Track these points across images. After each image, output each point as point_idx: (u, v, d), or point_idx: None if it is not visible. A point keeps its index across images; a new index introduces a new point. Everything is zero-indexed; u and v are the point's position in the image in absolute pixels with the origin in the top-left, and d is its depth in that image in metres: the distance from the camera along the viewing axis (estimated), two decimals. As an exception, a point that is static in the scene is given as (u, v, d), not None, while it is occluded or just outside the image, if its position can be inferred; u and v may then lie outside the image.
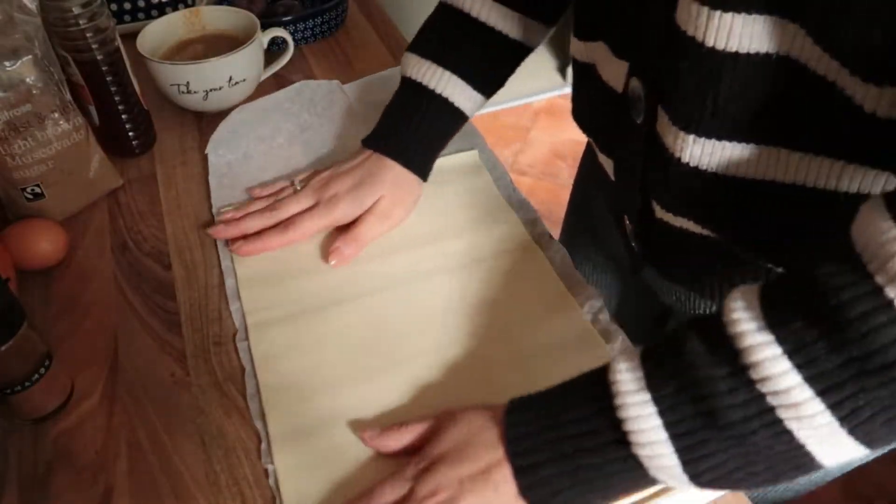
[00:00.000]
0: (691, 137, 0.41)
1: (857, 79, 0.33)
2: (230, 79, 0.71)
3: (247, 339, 0.52)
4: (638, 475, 0.36)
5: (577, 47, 0.54)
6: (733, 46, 0.36)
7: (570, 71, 2.24)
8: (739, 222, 0.45)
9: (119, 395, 0.49)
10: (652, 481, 0.36)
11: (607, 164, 0.54)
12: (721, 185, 0.42)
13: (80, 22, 0.61)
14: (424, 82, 0.61)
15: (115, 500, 0.44)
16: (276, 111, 0.73)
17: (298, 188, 0.61)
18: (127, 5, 0.87)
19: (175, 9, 0.88)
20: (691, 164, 0.42)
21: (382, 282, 0.56)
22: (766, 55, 0.36)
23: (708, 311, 0.55)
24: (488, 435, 0.40)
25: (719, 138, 0.40)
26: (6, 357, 0.44)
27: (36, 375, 0.46)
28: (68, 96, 0.61)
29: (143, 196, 0.66)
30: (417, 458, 0.42)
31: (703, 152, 0.41)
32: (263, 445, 0.45)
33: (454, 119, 0.63)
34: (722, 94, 0.38)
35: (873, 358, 0.29)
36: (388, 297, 0.55)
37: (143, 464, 0.45)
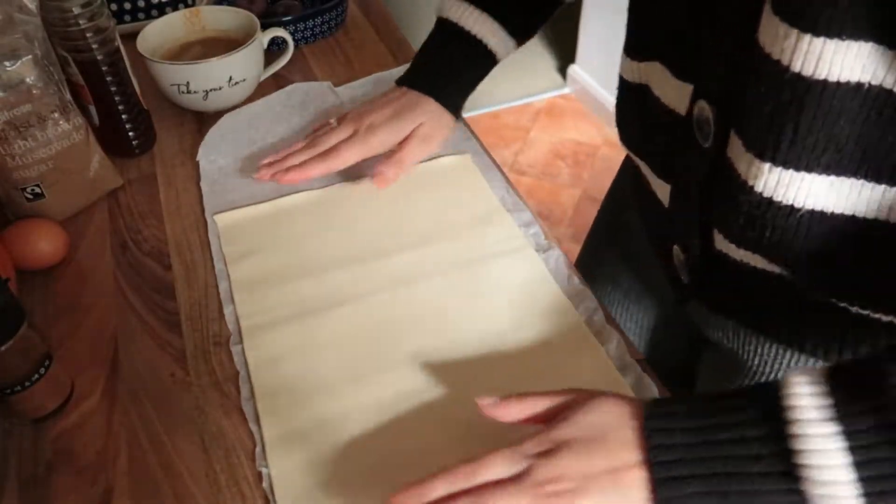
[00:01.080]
0: (766, 166, 0.38)
1: None
2: (230, 79, 0.71)
3: (241, 342, 0.52)
4: None
5: (629, 67, 0.51)
6: (822, 74, 0.34)
7: (571, 71, 2.25)
8: (814, 258, 0.41)
9: (119, 395, 0.49)
10: None
11: (661, 189, 0.51)
12: (795, 218, 0.39)
13: (80, 22, 0.61)
14: (461, 23, 0.63)
15: (115, 500, 0.44)
16: (266, 115, 0.73)
17: (335, 125, 0.64)
18: (127, 5, 0.87)
19: (175, 9, 0.88)
20: (765, 195, 0.39)
21: (376, 285, 0.56)
22: (858, 84, 0.34)
23: (761, 348, 0.52)
24: (625, 433, 0.37)
25: (797, 169, 0.37)
26: (6, 357, 0.44)
27: (36, 375, 0.46)
28: (68, 96, 0.61)
29: (143, 196, 0.66)
30: (541, 437, 0.39)
31: (780, 182, 0.38)
32: (258, 448, 0.45)
33: (486, 61, 0.64)
34: (803, 123, 0.36)
35: None
36: (382, 300, 0.55)
37: (143, 464, 0.45)
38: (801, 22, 0.33)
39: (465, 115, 0.74)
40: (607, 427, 0.38)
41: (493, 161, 0.68)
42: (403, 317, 0.53)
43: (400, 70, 0.79)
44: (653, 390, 0.47)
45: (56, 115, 0.59)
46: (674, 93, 0.46)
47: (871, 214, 0.38)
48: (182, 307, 0.55)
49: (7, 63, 0.55)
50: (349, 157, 0.62)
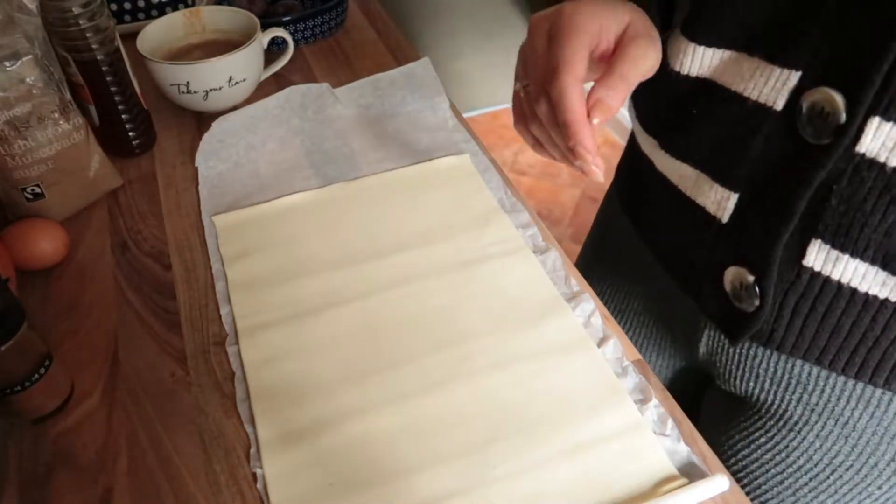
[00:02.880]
0: None
1: None
2: (230, 79, 0.71)
3: (237, 343, 0.52)
4: None
5: (690, 57, 0.44)
6: None
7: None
8: None
9: (119, 395, 0.49)
10: None
11: (720, 202, 0.44)
12: None
13: (80, 22, 0.61)
14: None
15: (115, 500, 0.44)
16: (264, 118, 0.73)
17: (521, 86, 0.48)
18: (127, 5, 0.87)
19: (175, 9, 0.88)
20: None
21: (372, 285, 0.56)
22: None
23: (806, 396, 0.47)
24: None
25: None
26: (6, 357, 0.44)
27: (36, 375, 0.46)
28: (68, 96, 0.61)
29: (143, 196, 0.66)
30: None
31: None
32: (253, 450, 0.46)
33: None
34: None
35: None
36: (379, 301, 0.55)
37: (143, 464, 0.45)
38: None
39: (465, 115, 0.74)
40: None
41: (492, 162, 0.68)
42: (400, 318, 0.53)
43: (400, 70, 0.79)
44: (650, 393, 0.47)
45: (56, 115, 0.59)
46: (767, 85, 0.40)
47: None
48: (182, 307, 0.55)
49: (7, 63, 0.55)
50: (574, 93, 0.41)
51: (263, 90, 0.77)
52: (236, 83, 0.72)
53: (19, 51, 0.56)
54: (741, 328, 0.46)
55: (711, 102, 0.44)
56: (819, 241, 0.40)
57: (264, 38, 0.75)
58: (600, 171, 0.43)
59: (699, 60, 0.44)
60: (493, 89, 2.13)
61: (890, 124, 0.35)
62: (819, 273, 0.41)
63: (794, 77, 0.39)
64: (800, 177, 0.39)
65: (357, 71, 0.82)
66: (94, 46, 0.62)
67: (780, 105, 0.40)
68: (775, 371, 0.49)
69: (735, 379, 0.53)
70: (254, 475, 0.44)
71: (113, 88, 0.66)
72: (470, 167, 0.67)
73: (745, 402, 0.54)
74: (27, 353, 0.46)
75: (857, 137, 0.37)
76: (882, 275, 0.39)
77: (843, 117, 0.36)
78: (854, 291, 0.40)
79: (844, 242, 0.39)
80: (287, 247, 0.59)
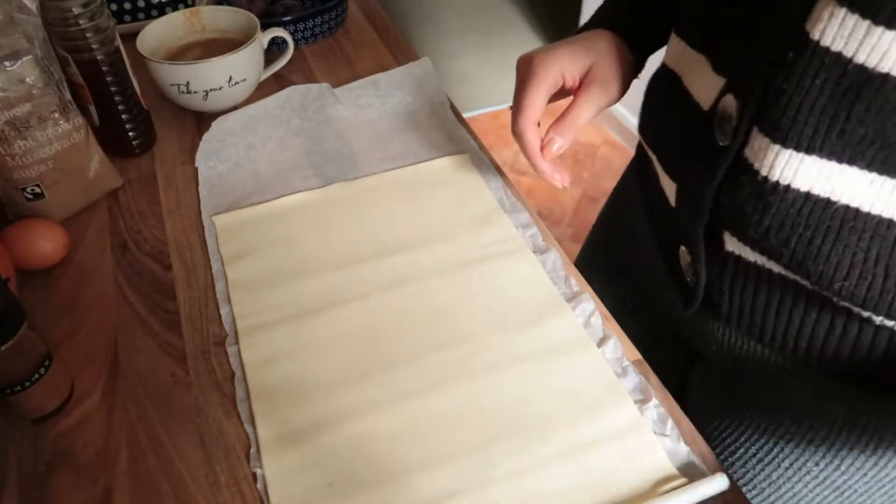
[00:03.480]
0: (810, 158, 0.37)
1: None
2: (230, 79, 0.71)
3: (237, 343, 0.52)
4: None
5: (674, 50, 0.49)
6: (886, 67, 0.33)
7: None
8: (846, 268, 0.40)
9: (119, 395, 0.49)
10: None
11: (670, 186, 0.50)
12: (831, 216, 0.38)
13: (80, 22, 0.61)
14: None
15: (115, 500, 0.44)
16: (264, 119, 0.73)
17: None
18: (127, 5, 0.87)
19: (175, 9, 0.88)
20: (802, 189, 0.38)
21: (373, 286, 0.56)
22: None
23: (768, 366, 0.50)
24: None
25: (840, 161, 0.37)
26: (6, 357, 0.44)
27: (36, 375, 0.46)
28: (68, 96, 0.61)
29: (143, 196, 0.66)
30: None
31: (819, 174, 0.38)
32: (252, 450, 0.46)
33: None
34: (855, 114, 0.35)
35: None
36: (379, 301, 0.55)
37: (143, 464, 0.45)
38: (876, 15, 0.32)
39: (465, 115, 0.74)
40: None
41: (493, 162, 0.68)
42: (400, 318, 0.53)
43: (399, 70, 0.79)
44: (649, 393, 0.47)
45: (56, 115, 0.59)
46: (705, 86, 0.44)
47: None
48: (182, 307, 0.55)
49: (7, 63, 0.55)
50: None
51: (263, 90, 0.77)
52: (236, 83, 0.72)
53: (19, 51, 0.56)
54: (687, 301, 0.51)
55: (673, 92, 0.48)
56: (729, 233, 0.44)
57: (264, 38, 0.75)
58: (562, 182, 0.57)
59: (672, 49, 0.49)
60: (493, 89, 2.13)
61: (767, 140, 0.38)
62: (739, 256, 0.45)
63: (720, 83, 0.43)
64: (708, 173, 0.43)
65: (357, 71, 0.82)
66: (94, 46, 0.62)
67: (706, 106, 0.44)
68: (731, 345, 0.52)
69: (707, 352, 0.56)
70: (254, 475, 0.44)
71: (113, 88, 0.66)
72: (470, 167, 0.67)
73: (721, 381, 0.55)
74: (27, 353, 0.46)
75: (744, 143, 0.40)
76: (790, 270, 0.42)
77: (735, 122, 0.40)
78: (769, 272, 0.44)
79: (743, 237, 0.43)
80: (287, 247, 0.59)
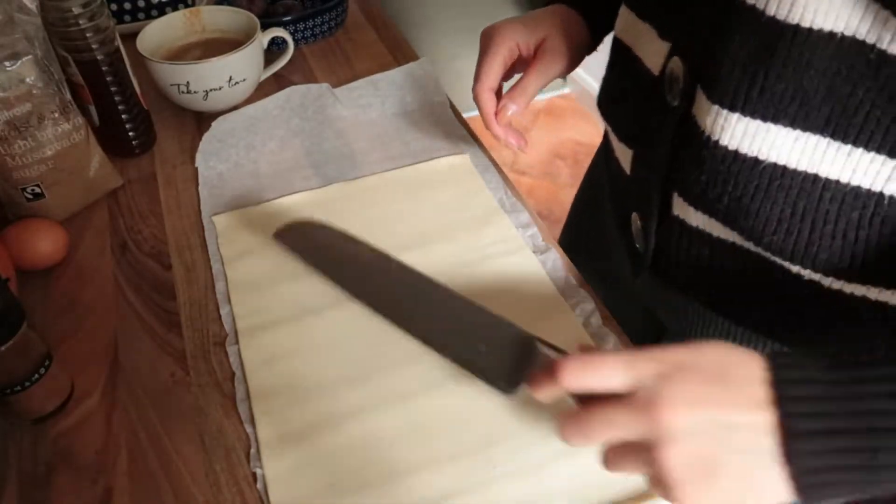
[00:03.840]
0: (735, 116, 0.39)
1: None
2: (230, 79, 0.71)
3: (237, 343, 0.52)
4: None
5: (624, 22, 0.52)
6: (795, 18, 0.34)
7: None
8: (775, 223, 0.41)
9: (119, 395, 0.49)
10: None
11: (624, 155, 0.52)
12: (760, 174, 0.40)
13: (80, 22, 0.61)
14: None
15: (115, 500, 0.44)
16: (264, 119, 0.73)
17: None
18: (127, 5, 0.87)
19: (175, 9, 0.88)
20: (731, 147, 0.40)
21: None
22: (831, 34, 0.34)
23: (711, 329, 0.52)
24: (751, 370, 0.33)
25: (764, 119, 0.38)
26: (6, 357, 0.44)
27: (36, 375, 0.46)
28: (68, 96, 0.61)
29: (143, 196, 0.66)
30: (658, 355, 0.34)
31: (746, 133, 0.39)
32: (252, 450, 0.46)
33: None
34: (773, 70, 0.36)
35: None
36: None
37: (143, 464, 0.45)
38: None
39: (465, 115, 0.74)
40: (729, 362, 0.34)
41: (493, 161, 0.68)
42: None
43: (399, 70, 0.79)
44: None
45: (56, 115, 0.59)
46: (654, 53, 0.47)
47: (833, 175, 0.38)
48: (182, 307, 0.55)
49: (7, 63, 0.55)
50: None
51: (263, 90, 0.77)
52: (236, 83, 0.72)
53: (19, 51, 0.56)
54: (637, 268, 0.54)
55: (625, 62, 0.51)
56: (676, 194, 0.46)
57: (264, 38, 0.75)
58: (517, 145, 0.61)
59: (622, 20, 0.52)
60: (493, 89, 2.12)
61: (716, 107, 0.40)
62: (683, 221, 0.47)
63: (666, 47, 0.45)
64: (661, 135, 0.45)
65: (357, 71, 0.82)
66: (94, 46, 0.62)
67: (657, 70, 0.46)
68: (683, 312, 0.54)
69: (663, 315, 0.59)
70: (254, 475, 0.44)
71: (113, 88, 0.66)
72: (470, 167, 0.67)
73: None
74: (27, 353, 0.46)
75: (691, 104, 0.42)
76: (715, 223, 0.45)
77: (682, 83, 0.42)
78: (710, 236, 0.46)
79: (686, 196, 0.45)
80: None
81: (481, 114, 0.60)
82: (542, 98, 2.25)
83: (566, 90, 2.28)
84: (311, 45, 0.87)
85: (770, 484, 0.31)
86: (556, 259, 0.57)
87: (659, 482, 0.33)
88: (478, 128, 0.73)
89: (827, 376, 0.32)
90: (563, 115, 2.20)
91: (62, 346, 0.52)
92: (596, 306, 0.53)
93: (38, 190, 0.60)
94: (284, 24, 0.83)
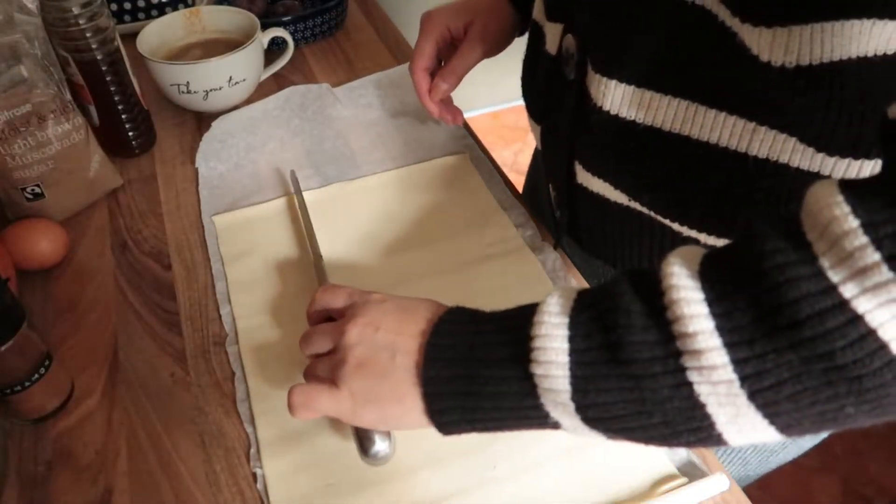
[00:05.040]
0: (612, 82, 0.43)
1: (748, 24, 0.35)
2: (230, 79, 0.71)
3: (237, 343, 0.52)
4: (527, 401, 0.34)
5: (537, 6, 0.55)
6: None
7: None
8: (655, 183, 0.45)
9: (119, 395, 0.49)
10: (541, 414, 0.34)
11: (536, 131, 0.56)
12: (637, 137, 0.44)
13: (80, 22, 0.61)
14: None
15: (115, 500, 0.44)
16: (264, 119, 0.72)
17: None
18: (127, 5, 0.87)
19: (175, 9, 0.88)
20: (612, 112, 0.44)
21: (372, 286, 0.55)
22: (684, 1, 0.38)
23: None
24: (419, 313, 0.39)
25: (638, 85, 0.42)
26: (6, 357, 0.44)
27: (36, 375, 0.46)
28: (68, 96, 0.61)
29: (143, 196, 0.66)
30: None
31: (623, 98, 0.43)
32: (252, 450, 0.46)
33: None
34: (639, 35, 0.40)
35: (784, 312, 0.27)
36: None
37: (143, 464, 0.45)
38: None
39: (465, 115, 0.74)
40: (406, 305, 0.41)
41: (492, 161, 0.68)
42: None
43: (399, 70, 0.79)
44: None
45: (56, 115, 0.59)
46: (550, 34, 0.51)
47: (703, 137, 0.41)
48: (182, 307, 0.55)
49: (7, 63, 0.55)
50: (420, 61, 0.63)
51: (263, 90, 0.77)
52: (236, 83, 0.72)
53: (19, 51, 0.56)
54: (558, 233, 0.59)
55: (536, 43, 0.54)
56: (577, 162, 0.51)
57: (264, 38, 0.75)
58: (453, 120, 0.67)
59: (536, 4, 0.56)
60: (493, 89, 2.12)
61: (598, 75, 0.44)
62: (586, 188, 0.51)
63: (559, 28, 0.49)
64: (563, 108, 0.49)
65: (357, 71, 0.82)
66: (94, 46, 0.62)
67: (553, 51, 0.50)
68: (600, 273, 0.60)
69: (592, 284, 0.61)
70: (254, 475, 0.44)
71: (113, 88, 0.66)
72: (470, 167, 0.67)
73: None
74: (27, 353, 0.46)
75: (584, 76, 0.46)
76: (608, 186, 0.49)
77: (575, 57, 0.46)
78: (607, 201, 0.50)
79: (583, 162, 0.50)
80: (286, 246, 0.59)
81: (416, 91, 0.65)
82: (543, 98, 2.25)
83: (566, 90, 2.28)
84: (311, 45, 0.87)
85: (411, 400, 0.38)
86: (556, 259, 0.57)
87: (333, 384, 0.40)
88: (478, 128, 0.73)
89: (465, 326, 0.38)
90: (564, 115, 2.19)
91: (62, 346, 0.52)
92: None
93: (38, 190, 0.60)
94: (284, 24, 0.83)
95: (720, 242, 0.45)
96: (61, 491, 0.44)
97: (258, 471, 0.44)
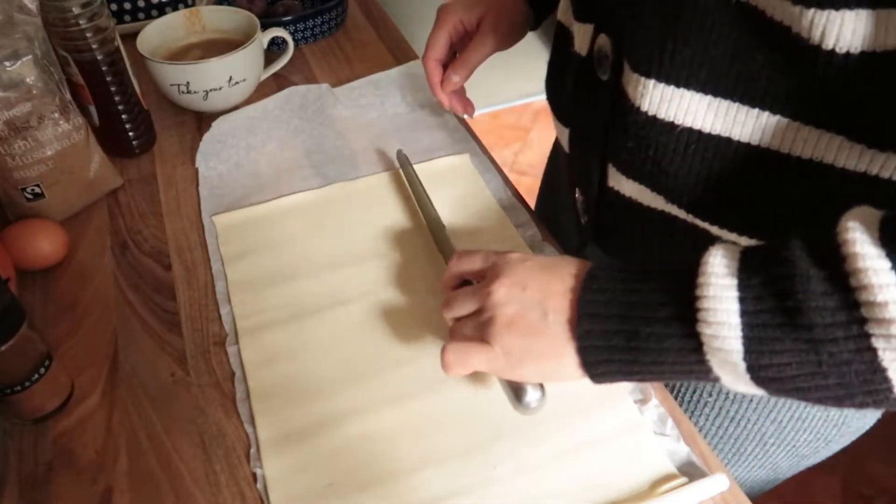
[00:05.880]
0: (651, 83, 0.42)
1: (821, 9, 0.33)
2: (230, 79, 0.71)
3: (236, 343, 0.52)
4: (691, 356, 0.35)
5: (563, 5, 0.55)
6: None
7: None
8: (694, 185, 0.44)
9: (119, 395, 0.49)
10: (703, 369, 0.35)
11: (563, 134, 0.56)
12: (677, 138, 0.43)
13: (80, 22, 0.61)
14: None
15: (115, 500, 0.44)
16: (264, 120, 0.72)
17: None
18: (127, 5, 0.87)
19: (175, 9, 0.88)
20: (650, 113, 0.43)
21: (372, 286, 0.56)
22: (727, 0, 0.37)
23: None
24: (564, 269, 0.41)
25: (678, 85, 0.41)
26: (6, 357, 0.44)
27: (36, 375, 0.46)
28: (68, 96, 0.61)
29: (143, 196, 0.66)
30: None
31: (662, 99, 0.42)
32: (252, 450, 0.46)
33: None
34: (679, 35, 0.39)
35: None
36: (378, 301, 0.54)
37: (143, 464, 0.45)
38: None
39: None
40: (549, 264, 0.42)
41: (493, 161, 0.68)
42: (399, 318, 0.53)
43: (399, 70, 0.79)
44: (649, 393, 0.47)
45: (56, 115, 0.59)
46: (579, 35, 0.50)
47: (743, 138, 0.40)
48: (182, 307, 0.55)
49: (7, 63, 0.55)
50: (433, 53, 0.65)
51: (263, 90, 0.77)
52: (236, 83, 0.72)
53: (19, 51, 0.56)
54: (583, 238, 0.58)
55: (564, 44, 0.54)
56: (610, 164, 0.49)
57: (264, 38, 0.75)
58: (464, 111, 0.68)
59: (562, 3, 0.55)
60: (493, 89, 2.12)
61: (635, 75, 0.42)
62: (618, 192, 0.50)
63: (590, 29, 0.48)
64: (596, 110, 0.48)
65: (357, 71, 0.82)
66: (94, 46, 0.62)
67: (584, 52, 0.49)
68: None
69: None
70: (254, 475, 0.44)
71: (113, 88, 0.66)
72: (470, 167, 0.67)
73: None
74: (27, 353, 0.46)
75: (620, 75, 0.45)
76: (644, 189, 0.48)
77: (610, 57, 0.45)
78: (640, 205, 0.49)
79: (617, 164, 0.48)
80: (287, 247, 0.59)
81: (428, 82, 0.66)
82: (543, 98, 2.25)
83: (566, 90, 2.28)
84: (311, 45, 0.87)
85: (567, 356, 0.39)
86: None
87: (483, 341, 0.41)
88: (478, 128, 0.73)
89: (618, 284, 0.38)
90: (564, 115, 2.20)
91: (62, 346, 0.52)
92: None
93: (38, 190, 0.60)
94: (284, 24, 0.83)
95: None
96: (61, 491, 0.44)
97: (258, 471, 0.44)
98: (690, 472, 0.43)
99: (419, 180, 0.62)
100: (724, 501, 0.42)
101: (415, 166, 0.67)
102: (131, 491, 0.44)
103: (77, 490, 0.44)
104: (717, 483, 0.42)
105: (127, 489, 0.44)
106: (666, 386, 0.56)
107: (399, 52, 0.85)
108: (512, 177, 0.67)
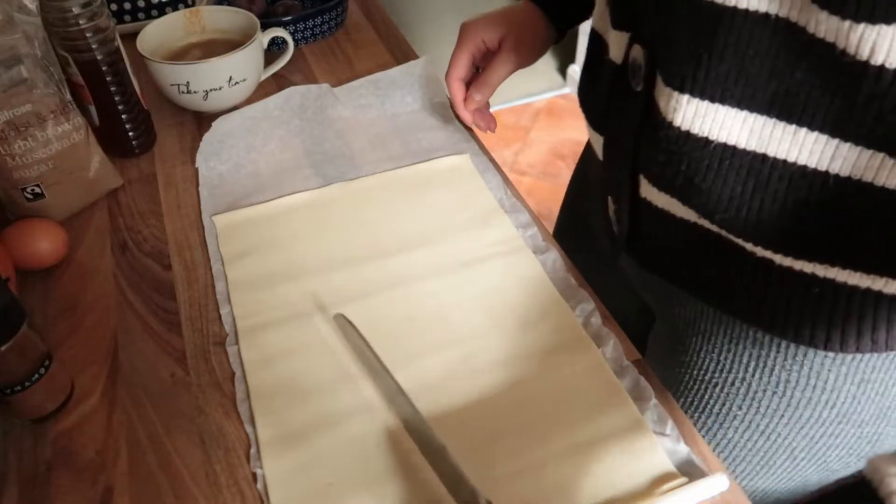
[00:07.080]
0: (685, 98, 0.41)
1: (870, 23, 0.32)
2: (230, 79, 0.71)
3: (237, 343, 0.52)
4: None
5: (598, 13, 0.54)
6: (732, 1, 0.36)
7: (571, 71, 2.25)
8: (727, 201, 0.43)
9: (119, 395, 0.49)
10: None
11: (597, 142, 0.55)
12: (710, 153, 0.42)
13: (80, 22, 0.61)
14: None
15: (115, 500, 0.44)
16: (264, 120, 0.72)
17: None
18: (127, 5, 0.87)
19: (175, 9, 0.88)
20: (683, 128, 0.42)
21: (373, 286, 0.56)
22: (766, 15, 0.36)
23: (685, 309, 0.54)
24: None
25: (712, 100, 0.40)
26: (6, 357, 0.44)
27: (36, 375, 0.46)
28: (68, 96, 0.61)
29: (143, 196, 0.66)
30: None
31: (696, 114, 0.41)
32: (252, 450, 0.46)
33: None
34: (716, 51, 0.38)
35: None
36: (379, 301, 0.55)
37: (143, 464, 0.45)
38: None
39: (465, 115, 0.74)
40: None
41: (493, 162, 0.68)
42: (399, 318, 0.53)
43: (399, 70, 0.79)
44: (649, 392, 0.47)
45: (56, 115, 0.59)
46: (617, 42, 0.49)
47: (780, 155, 0.40)
48: (182, 307, 0.55)
49: (7, 63, 0.55)
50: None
51: (263, 90, 0.77)
52: (236, 83, 0.72)
53: (19, 51, 0.56)
54: (615, 247, 0.57)
55: (598, 51, 0.54)
56: (642, 176, 0.49)
57: (264, 38, 0.75)
58: (486, 126, 0.70)
59: (597, 10, 0.55)
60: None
61: (668, 89, 0.41)
62: (650, 203, 0.49)
63: (625, 37, 0.47)
64: (628, 120, 0.47)
65: (357, 71, 0.82)
66: (94, 46, 0.62)
67: (619, 60, 0.49)
68: (657, 287, 0.57)
69: (646, 297, 0.62)
70: (254, 475, 0.44)
71: (113, 88, 0.66)
72: (470, 167, 0.67)
73: (660, 330, 0.60)
74: (27, 353, 0.46)
75: (653, 87, 0.44)
76: (676, 202, 0.47)
77: (644, 69, 0.44)
78: (673, 217, 0.48)
79: (649, 177, 0.48)
80: (287, 247, 0.59)
81: (452, 101, 0.67)
82: (543, 98, 2.26)
83: (566, 90, 2.28)
84: (311, 45, 0.87)
85: None
86: (557, 259, 0.57)
87: None
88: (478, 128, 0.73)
89: None
90: (564, 115, 2.20)
91: (62, 346, 0.52)
92: (596, 306, 0.53)
93: (38, 190, 0.60)
94: (284, 24, 0.83)
95: (797, 264, 0.43)
96: (61, 491, 0.44)
97: (258, 471, 0.44)
98: (690, 471, 0.43)
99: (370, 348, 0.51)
100: (724, 501, 0.42)
101: (415, 166, 0.67)
102: (131, 491, 0.44)
103: (77, 490, 0.44)
104: (717, 483, 0.42)
105: (127, 489, 0.44)
106: (685, 393, 0.55)
107: (399, 52, 0.86)
108: (512, 177, 0.67)
